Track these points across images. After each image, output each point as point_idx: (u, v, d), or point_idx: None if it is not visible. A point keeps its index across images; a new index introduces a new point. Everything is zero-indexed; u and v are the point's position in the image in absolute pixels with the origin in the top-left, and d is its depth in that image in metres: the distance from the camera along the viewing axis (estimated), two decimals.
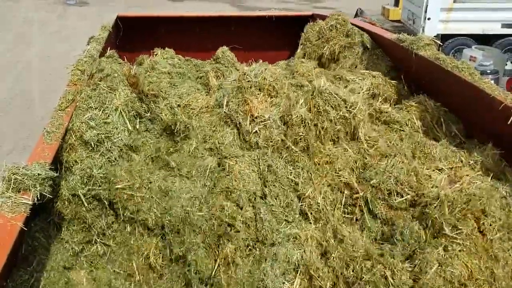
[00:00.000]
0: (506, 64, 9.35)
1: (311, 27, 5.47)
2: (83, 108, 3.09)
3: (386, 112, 3.71)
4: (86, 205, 2.77)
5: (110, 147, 2.99)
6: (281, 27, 5.93)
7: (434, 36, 4.62)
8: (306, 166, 3.16)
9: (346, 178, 3.07)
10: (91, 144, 2.92)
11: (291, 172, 3.14)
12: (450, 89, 3.64)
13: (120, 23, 5.33)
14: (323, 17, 5.69)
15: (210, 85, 4.43)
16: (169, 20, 5.86)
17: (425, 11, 10.81)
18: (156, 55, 4.93)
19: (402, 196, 2.87)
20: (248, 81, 3.58)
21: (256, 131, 3.33)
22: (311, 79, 4.07)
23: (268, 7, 15.08)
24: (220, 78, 4.63)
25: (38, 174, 2.26)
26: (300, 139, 3.25)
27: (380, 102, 3.96)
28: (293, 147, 3.23)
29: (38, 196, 2.20)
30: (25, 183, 2.19)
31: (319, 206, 2.97)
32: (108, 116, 3.12)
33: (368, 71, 4.31)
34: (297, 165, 3.17)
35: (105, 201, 2.83)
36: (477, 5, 10.73)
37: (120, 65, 3.85)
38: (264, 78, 3.57)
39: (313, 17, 5.92)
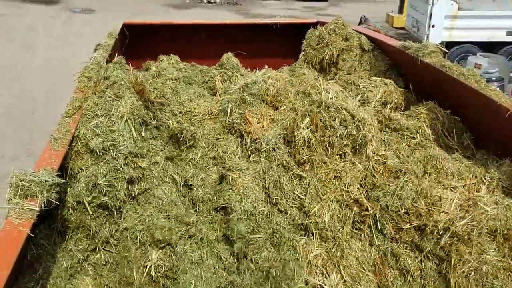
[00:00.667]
0: (511, 72, 9.34)
1: (311, 32, 5.57)
2: (89, 116, 3.07)
3: (396, 120, 3.66)
4: (90, 213, 2.76)
5: (116, 154, 2.95)
6: (286, 34, 5.95)
7: (439, 44, 4.60)
8: (313, 181, 3.04)
9: (356, 195, 2.96)
10: (96, 151, 2.89)
11: (297, 188, 3.04)
12: (457, 97, 3.63)
13: (126, 30, 5.36)
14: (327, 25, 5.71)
15: (217, 89, 4.46)
16: (175, 27, 5.89)
17: (430, 19, 10.83)
18: (162, 61, 4.95)
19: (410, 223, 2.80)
20: (251, 93, 3.54)
21: (258, 152, 3.29)
22: (319, 89, 4.02)
23: (272, 15, 15.15)
24: (226, 82, 4.66)
25: (45, 181, 2.27)
26: (305, 160, 3.13)
27: (390, 109, 3.91)
28: (297, 169, 3.11)
29: (45, 202, 2.20)
30: (32, 189, 2.19)
31: (325, 224, 2.86)
32: (114, 123, 3.08)
33: (380, 78, 4.26)
34: (303, 181, 3.07)
35: (111, 209, 2.83)
36: (482, 12, 10.74)
37: (127, 72, 3.86)
38: (267, 89, 3.55)
39: (317, 25, 5.94)
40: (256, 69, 4.65)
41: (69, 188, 2.75)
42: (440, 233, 2.63)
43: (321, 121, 3.13)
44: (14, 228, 1.99)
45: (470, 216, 2.57)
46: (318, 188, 3.00)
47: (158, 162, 3.25)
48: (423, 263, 2.68)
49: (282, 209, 2.97)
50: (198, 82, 4.61)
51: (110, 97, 3.23)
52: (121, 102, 3.22)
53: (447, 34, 10.92)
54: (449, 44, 10.83)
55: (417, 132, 3.53)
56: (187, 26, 5.99)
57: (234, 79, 4.78)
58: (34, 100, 8.97)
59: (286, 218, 2.93)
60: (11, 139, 7.38)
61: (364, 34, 5.16)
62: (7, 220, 2.03)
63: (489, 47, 10.86)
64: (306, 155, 3.09)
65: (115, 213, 2.87)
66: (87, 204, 2.74)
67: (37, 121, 7.97)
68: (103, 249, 2.83)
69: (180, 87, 4.29)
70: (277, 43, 5.96)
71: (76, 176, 2.82)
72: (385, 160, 3.15)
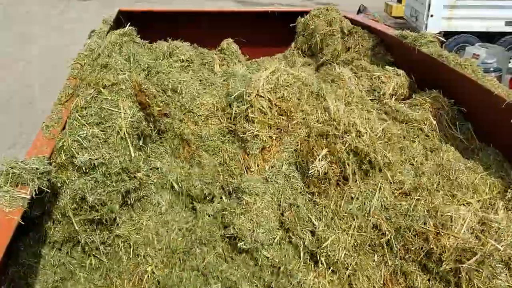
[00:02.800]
0: (510, 62, 9.30)
1: (299, 20, 5.66)
2: (78, 122, 2.69)
3: (403, 112, 3.58)
4: (77, 228, 2.57)
5: (106, 172, 2.61)
6: (284, 22, 5.91)
7: (438, 33, 4.56)
8: (329, 206, 2.84)
9: (376, 218, 2.80)
10: (82, 168, 2.58)
11: (313, 213, 2.84)
12: (453, 87, 3.61)
13: (122, 18, 5.30)
14: None
15: (215, 71, 4.36)
16: (171, 15, 5.83)
17: (428, 8, 10.78)
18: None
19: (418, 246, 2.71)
20: (259, 108, 3.19)
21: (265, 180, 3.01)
22: (340, 82, 3.72)
23: (271, 3, 15.01)
24: (224, 66, 4.61)
25: (36, 169, 2.24)
26: (321, 192, 2.92)
27: (396, 100, 3.85)
28: (313, 197, 2.91)
29: (36, 190, 2.19)
30: (23, 177, 2.17)
31: (339, 259, 2.69)
32: (108, 137, 2.70)
33: (393, 67, 4.16)
34: (319, 207, 2.87)
35: (103, 221, 2.66)
36: (481, 2, 10.68)
37: (138, 46, 3.75)
38: (279, 98, 3.23)
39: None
40: (256, 61, 4.64)
41: (53, 199, 2.55)
42: (448, 259, 2.53)
43: (338, 153, 2.88)
44: (5, 216, 1.97)
45: (480, 254, 2.42)
46: (334, 213, 2.83)
47: (158, 168, 3.02)
48: (431, 283, 2.60)
49: (295, 236, 2.79)
50: (196, 64, 4.35)
51: (106, 103, 2.82)
52: (119, 112, 2.81)
53: (446, 24, 10.87)
54: (447, 34, 10.78)
55: (424, 123, 3.48)
56: (184, 14, 5.93)
57: (232, 65, 4.75)
58: (32, 90, 8.91)
59: (297, 245, 2.76)
60: (8, 129, 7.34)
61: (362, 24, 5.13)
62: None
63: (487, 37, 10.82)
64: (324, 187, 2.91)
65: (108, 224, 2.69)
66: (73, 219, 2.56)
67: (35, 111, 7.92)
68: (93, 255, 2.68)
69: (185, 80, 3.78)
70: (274, 31, 5.91)
71: (61, 188, 2.57)
72: (402, 185, 2.97)
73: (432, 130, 3.47)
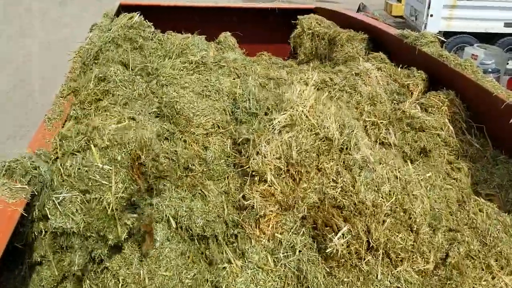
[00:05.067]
0: (508, 63, 9.34)
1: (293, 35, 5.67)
2: (58, 174, 2.43)
3: (418, 117, 3.37)
4: (56, 274, 2.40)
5: (81, 238, 2.38)
6: (284, 19, 5.91)
7: (437, 33, 4.56)
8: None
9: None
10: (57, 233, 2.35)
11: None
12: (453, 87, 3.63)
13: (123, 11, 5.29)
14: (325, 11, 5.67)
15: (210, 56, 4.00)
16: (171, 9, 5.82)
17: (428, 8, 10.80)
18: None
19: None
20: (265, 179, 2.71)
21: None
22: (366, 79, 3.49)
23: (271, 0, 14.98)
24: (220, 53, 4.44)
25: (35, 164, 2.25)
26: (340, 266, 2.52)
27: (410, 105, 3.58)
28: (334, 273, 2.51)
29: (36, 183, 2.20)
30: (24, 170, 2.18)
31: None
32: (92, 209, 2.39)
33: (419, 71, 3.93)
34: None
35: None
36: (481, 3, 10.70)
37: (145, 40, 3.62)
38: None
39: (315, 10, 5.90)
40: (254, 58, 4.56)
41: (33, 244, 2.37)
42: None
43: (359, 229, 2.52)
44: (8, 207, 1.98)
45: None
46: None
47: (153, 204, 2.62)
48: None
49: None
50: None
51: (96, 172, 2.43)
52: (109, 179, 2.44)
53: (445, 23, 10.90)
54: (446, 34, 10.81)
55: (442, 129, 3.34)
56: (184, 8, 5.93)
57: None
58: (31, 84, 8.88)
59: None
60: (8, 121, 7.34)
61: (362, 22, 5.13)
62: (0, 199, 2.02)
63: (486, 38, 10.85)
64: (342, 260, 2.52)
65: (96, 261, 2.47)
66: (53, 263, 2.40)
67: (34, 104, 7.93)
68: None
69: (185, 89, 3.33)
70: (274, 28, 5.92)
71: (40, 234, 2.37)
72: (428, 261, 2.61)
73: (449, 136, 3.34)
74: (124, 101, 3.07)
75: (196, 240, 2.64)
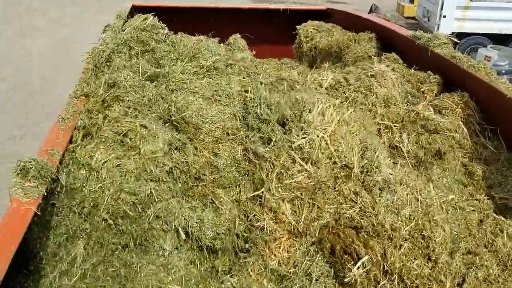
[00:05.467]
0: None
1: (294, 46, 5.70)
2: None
3: (432, 119, 3.33)
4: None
5: None
6: (295, 21, 5.91)
7: (450, 34, 4.52)
8: None
9: None
10: None
11: None
12: (466, 89, 3.60)
13: (135, 13, 5.33)
14: (337, 12, 5.66)
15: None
16: (184, 10, 5.85)
17: (441, 9, 10.71)
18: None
19: None
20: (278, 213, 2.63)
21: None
22: (382, 80, 3.46)
23: (282, 0, 14.98)
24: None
25: (49, 164, 2.29)
26: None
27: (424, 107, 3.52)
28: None
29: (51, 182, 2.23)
30: (38, 172, 2.22)
31: None
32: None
33: (436, 76, 3.89)
34: None
35: None
36: (494, 4, 10.60)
37: (157, 43, 3.56)
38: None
39: (327, 12, 5.89)
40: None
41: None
42: None
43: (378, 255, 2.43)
44: (21, 206, 2.01)
45: None
46: None
47: (160, 217, 2.51)
48: None
49: None
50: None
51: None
52: None
53: (458, 25, 10.80)
54: (459, 35, 10.70)
55: (456, 131, 3.30)
56: (195, 10, 5.95)
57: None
58: (31, 84, 8.93)
59: None
60: (8, 120, 7.42)
61: (373, 23, 5.11)
62: (14, 198, 2.05)
63: (500, 39, 10.74)
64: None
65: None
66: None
67: (34, 104, 7.97)
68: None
69: (195, 94, 3.26)
70: (285, 29, 5.92)
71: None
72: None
73: (464, 138, 3.30)
74: (134, 108, 2.99)
75: (205, 251, 2.59)
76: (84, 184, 2.44)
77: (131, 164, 2.57)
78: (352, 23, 5.28)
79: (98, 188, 2.42)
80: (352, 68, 3.99)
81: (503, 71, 8.46)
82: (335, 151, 2.75)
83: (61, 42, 10.78)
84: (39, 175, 2.21)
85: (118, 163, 2.54)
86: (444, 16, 10.69)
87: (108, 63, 3.41)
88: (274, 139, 2.92)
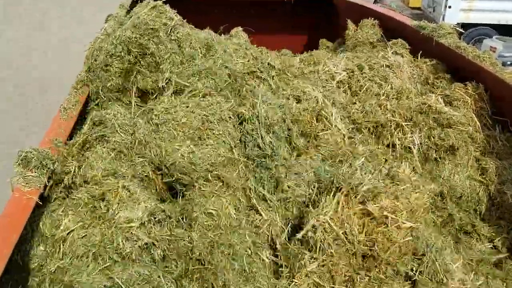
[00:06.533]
0: None
1: None
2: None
3: (444, 113, 3.24)
4: None
5: None
6: (299, 11, 5.87)
7: (455, 25, 4.49)
8: None
9: None
10: None
11: None
12: (470, 78, 3.57)
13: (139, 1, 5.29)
14: (340, 1, 5.61)
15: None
16: (187, 1, 5.80)
17: None
18: None
19: None
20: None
21: None
22: (398, 72, 3.44)
23: None
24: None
25: (51, 154, 2.29)
26: None
27: (435, 99, 3.40)
28: None
29: (51, 174, 2.24)
30: (40, 162, 2.22)
31: None
32: None
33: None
34: None
35: None
36: None
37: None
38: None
39: (332, 2, 5.84)
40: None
41: None
42: None
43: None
44: (23, 196, 2.02)
45: None
46: None
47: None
48: None
49: None
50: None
51: None
52: None
53: (464, 15, 10.71)
54: (465, 26, 10.61)
55: (469, 124, 3.21)
56: (198, 1, 5.91)
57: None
58: (31, 84, 8.86)
59: None
60: (8, 122, 7.42)
61: (378, 12, 5.07)
62: (16, 188, 2.06)
63: (506, 30, 10.64)
64: None
65: None
66: None
67: (35, 104, 7.93)
68: None
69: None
70: (289, 19, 5.88)
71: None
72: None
73: (476, 132, 3.22)
74: (119, 150, 2.58)
75: None
76: (42, 263, 2.11)
77: (97, 235, 2.15)
78: (356, 12, 5.23)
79: (56, 268, 2.05)
80: (362, 54, 3.99)
81: (508, 62, 8.42)
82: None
83: (61, 42, 10.73)
84: (41, 165, 2.21)
85: (84, 234, 2.15)
86: (450, 7, 10.60)
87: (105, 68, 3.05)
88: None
